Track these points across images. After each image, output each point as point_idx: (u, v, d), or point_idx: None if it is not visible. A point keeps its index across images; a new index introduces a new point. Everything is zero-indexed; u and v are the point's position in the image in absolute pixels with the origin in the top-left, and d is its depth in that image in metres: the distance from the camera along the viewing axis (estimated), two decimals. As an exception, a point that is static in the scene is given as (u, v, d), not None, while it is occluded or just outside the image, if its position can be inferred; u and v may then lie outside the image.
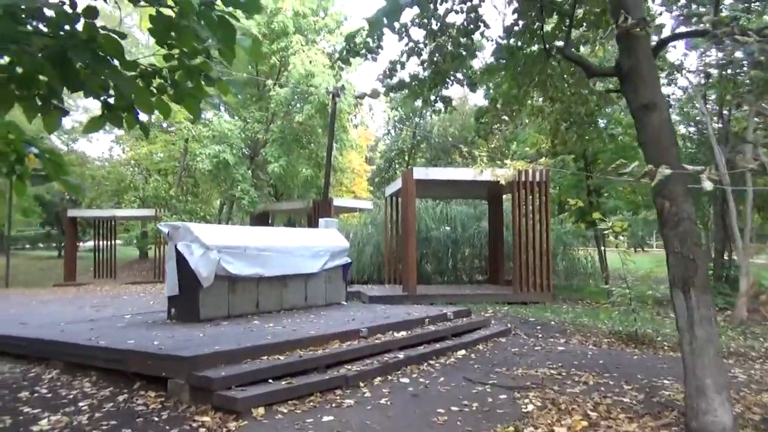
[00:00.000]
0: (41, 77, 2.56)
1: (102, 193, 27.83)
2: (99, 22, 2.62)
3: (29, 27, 2.39)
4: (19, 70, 2.56)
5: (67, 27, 2.46)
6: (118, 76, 2.58)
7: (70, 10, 2.46)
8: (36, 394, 4.89)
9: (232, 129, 21.92)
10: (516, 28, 7.00)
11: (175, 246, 7.68)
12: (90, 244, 25.68)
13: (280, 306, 8.54)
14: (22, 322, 7.96)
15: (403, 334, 6.80)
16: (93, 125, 2.89)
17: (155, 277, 19.74)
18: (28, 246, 33.38)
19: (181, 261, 7.57)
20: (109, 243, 22.47)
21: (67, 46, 2.35)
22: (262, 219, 23.96)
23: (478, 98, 28.54)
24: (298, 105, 21.73)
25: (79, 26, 2.50)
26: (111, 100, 2.88)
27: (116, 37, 2.50)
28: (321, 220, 11.65)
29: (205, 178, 23.45)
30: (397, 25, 7.25)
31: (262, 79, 24.02)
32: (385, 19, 4.10)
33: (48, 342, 6.14)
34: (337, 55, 7.77)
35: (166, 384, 4.85)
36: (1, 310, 10.17)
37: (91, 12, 2.45)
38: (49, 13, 2.46)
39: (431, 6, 7.20)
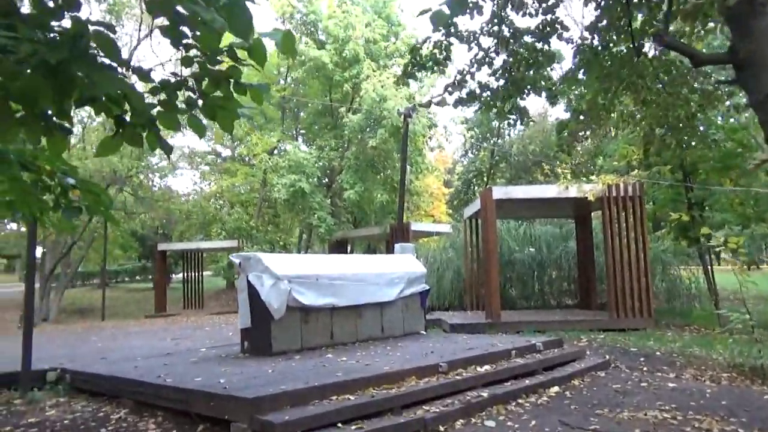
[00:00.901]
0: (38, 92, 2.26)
1: (190, 227, 29.00)
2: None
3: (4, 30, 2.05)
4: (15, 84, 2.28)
5: (54, 25, 2.13)
6: (122, 85, 2.24)
7: (51, 4, 2.13)
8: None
9: (307, 158, 22.16)
10: (600, 24, 6.32)
11: (247, 277, 7.50)
12: (181, 275, 26.66)
13: (355, 337, 8.12)
14: (102, 356, 8.02)
15: (487, 368, 6.15)
16: (106, 147, 2.57)
17: (237, 307, 20.07)
18: (127, 279, 35.29)
19: (253, 292, 7.37)
20: (197, 274, 23.19)
21: (62, 52, 2.02)
22: (340, 246, 23.93)
23: (558, 112, 27.40)
24: (372, 130, 21.66)
25: (65, 24, 2.18)
26: (127, 117, 2.56)
27: (107, 32, 2.15)
28: (396, 246, 11.21)
29: (284, 207, 23.80)
30: (465, 31, 6.78)
31: (336, 105, 24.24)
32: (449, 10, 3.61)
33: (120, 379, 6.03)
34: (402, 71, 7.39)
35: (229, 427, 4.51)
36: (89, 344, 10.44)
37: (73, 3, 2.12)
38: (25, 10, 2.16)
39: (502, 10, 6.69)
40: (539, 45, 6.84)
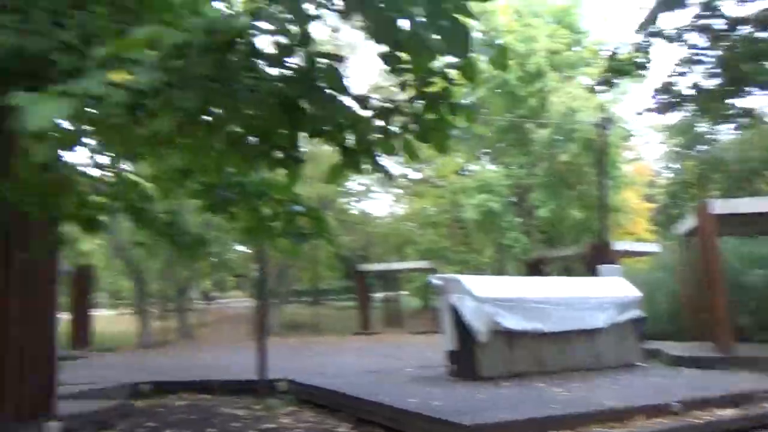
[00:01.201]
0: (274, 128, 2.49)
1: (387, 248, 30.52)
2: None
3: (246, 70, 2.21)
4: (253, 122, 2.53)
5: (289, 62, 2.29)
6: (353, 114, 2.38)
7: (285, 41, 2.28)
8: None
9: (495, 177, 21.94)
10: None
11: (449, 299, 7.60)
12: (380, 295, 28.12)
13: (564, 366, 7.69)
14: (321, 370, 8.73)
15: (729, 412, 5.36)
16: (334, 174, 2.76)
17: (437, 328, 20.45)
18: (333, 297, 38.24)
19: (456, 314, 7.44)
20: (394, 294, 24.28)
21: (296, 88, 2.17)
22: (535, 267, 23.13)
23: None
24: (562, 144, 20.69)
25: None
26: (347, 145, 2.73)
27: (334, 64, 2.28)
28: (602, 267, 10.48)
29: (475, 228, 23.80)
30: (670, 29, 6.15)
31: (522, 121, 23.71)
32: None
33: (339, 394, 6.49)
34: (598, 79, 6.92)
35: (447, 451, 4.56)
36: (306, 358, 11.47)
37: (307, 40, 2.27)
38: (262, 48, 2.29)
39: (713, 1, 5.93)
40: (761, 34, 5.92)
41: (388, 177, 2.86)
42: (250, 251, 30.76)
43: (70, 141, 3.24)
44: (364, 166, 2.72)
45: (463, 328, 7.36)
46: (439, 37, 2.04)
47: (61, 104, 1.56)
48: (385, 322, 23.89)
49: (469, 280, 7.78)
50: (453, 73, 2.54)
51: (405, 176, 33.97)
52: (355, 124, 2.55)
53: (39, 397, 5.57)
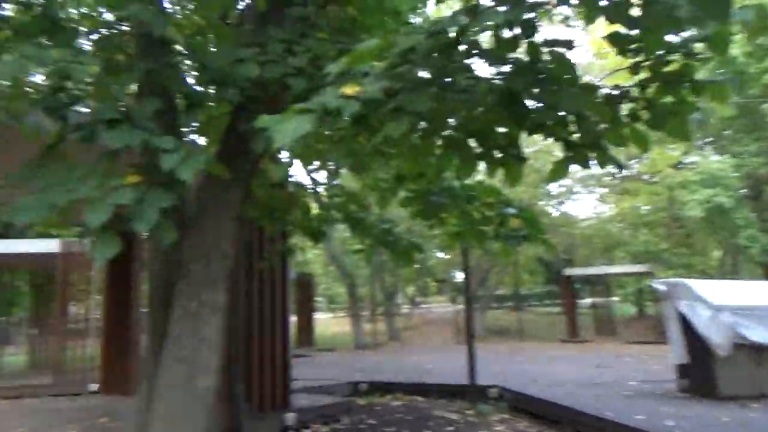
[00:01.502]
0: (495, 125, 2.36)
1: (593, 251, 28.62)
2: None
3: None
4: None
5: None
6: (580, 103, 2.14)
7: (508, 34, 2.14)
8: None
9: (723, 168, 19.15)
10: None
11: (677, 307, 6.78)
12: (588, 300, 26.45)
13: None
14: (533, 378, 8.43)
15: None
16: (558, 171, 2.54)
17: (657, 337, 18.50)
18: (536, 303, 37.08)
19: (686, 324, 6.60)
20: (605, 300, 22.59)
21: (518, 81, 2.01)
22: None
23: None
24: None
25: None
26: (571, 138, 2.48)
27: (562, 50, 2.07)
28: None
29: (698, 227, 21.07)
30: None
31: (755, 103, 20.35)
32: None
33: (559, 406, 6.17)
34: None
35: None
36: (515, 364, 11.19)
37: (531, 29, 2.09)
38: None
39: None
40: None
41: (619, 169, 2.52)
42: (449, 257, 31.43)
43: (310, 158, 3.58)
44: (591, 161, 2.49)
45: (695, 340, 6.50)
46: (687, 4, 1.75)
47: (302, 121, 1.70)
48: (594, 329, 22.32)
49: (700, 285, 6.86)
50: (697, 47, 2.18)
51: (614, 174, 31.57)
52: (581, 115, 2.34)
53: (277, 392, 6.28)
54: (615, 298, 27.88)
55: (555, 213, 29.34)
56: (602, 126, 2.39)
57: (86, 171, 1.93)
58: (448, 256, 33.71)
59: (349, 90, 1.76)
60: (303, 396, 7.51)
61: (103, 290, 9.15)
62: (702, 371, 6.47)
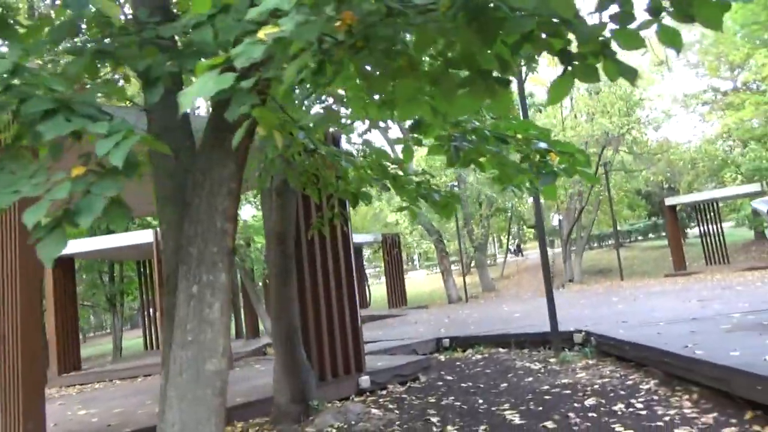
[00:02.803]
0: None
1: (698, 176, 26.40)
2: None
3: None
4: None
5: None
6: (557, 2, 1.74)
7: None
8: (630, 409, 4.48)
9: None
10: None
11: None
12: (696, 230, 24.57)
13: None
14: (623, 320, 7.91)
15: None
16: (557, 90, 2.15)
17: (774, 260, 16.85)
18: (639, 237, 35.08)
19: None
20: (715, 227, 20.80)
21: None
22: None
23: None
24: None
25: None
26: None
27: None
28: None
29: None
30: None
31: None
32: None
33: (644, 347, 5.71)
34: None
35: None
36: (609, 305, 10.59)
37: None
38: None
39: None
40: None
41: (633, 77, 2.03)
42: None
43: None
44: (598, 71, 2.07)
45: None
46: None
47: (208, 80, 1.52)
48: (705, 259, 20.68)
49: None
50: None
51: (711, 89, 28.72)
52: (569, 21, 1.94)
53: (350, 355, 6.32)
54: (729, 224, 25.69)
55: (651, 140, 27.20)
56: (610, 27, 1.97)
57: (36, 168, 1.89)
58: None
59: (264, 33, 1.56)
60: (382, 357, 7.55)
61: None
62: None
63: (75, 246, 10.85)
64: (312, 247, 6.19)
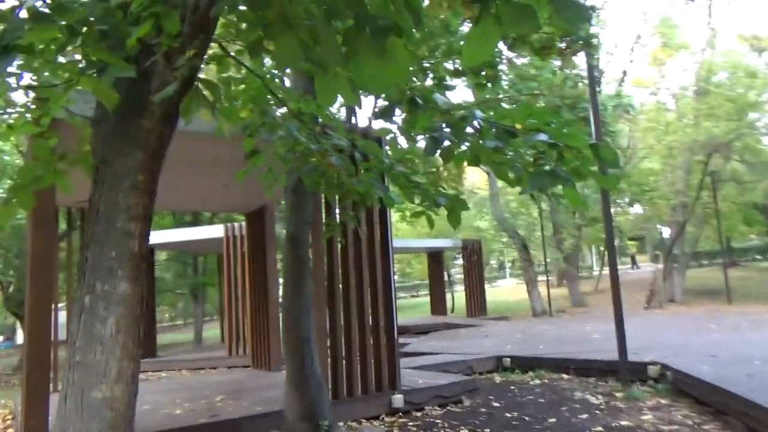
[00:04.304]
0: None
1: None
2: None
3: None
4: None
5: None
6: None
7: None
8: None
9: None
10: None
11: None
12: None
13: None
14: (712, 354, 6.76)
15: None
16: (477, 43, 1.49)
17: None
18: (758, 257, 31.48)
19: None
20: None
21: None
22: None
23: None
24: None
25: None
26: None
27: None
28: None
29: None
30: None
31: None
32: None
33: (725, 392, 4.74)
34: None
35: None
36: (704, 333, 9.23)
37: None
38: None
39: None
40: None
41: (578, 18, 1.30)
42: (646, 211, 27.83)
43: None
44: (534, 12, 1.42)
45: None
46: None
47: None
48: (839, 285, 17.93)
49: None
50: None
51: None
52: None
53: (383, 371, 5.83)
54: None
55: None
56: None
57: None
58: (640, 211, 29.99)
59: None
60: (426, 373, 6.99)
61: (246, 269, 9.59)
62: None
63: (155, 237, 11.25)
64: (345, 253, 5.79)
